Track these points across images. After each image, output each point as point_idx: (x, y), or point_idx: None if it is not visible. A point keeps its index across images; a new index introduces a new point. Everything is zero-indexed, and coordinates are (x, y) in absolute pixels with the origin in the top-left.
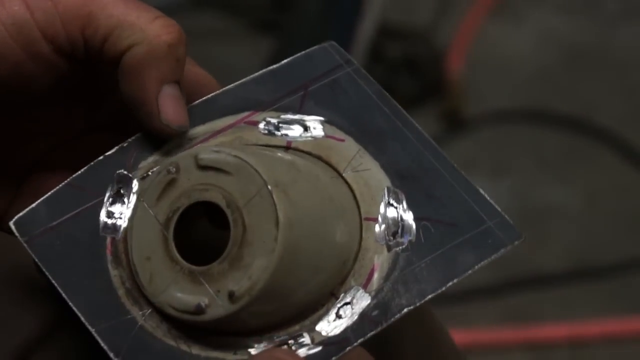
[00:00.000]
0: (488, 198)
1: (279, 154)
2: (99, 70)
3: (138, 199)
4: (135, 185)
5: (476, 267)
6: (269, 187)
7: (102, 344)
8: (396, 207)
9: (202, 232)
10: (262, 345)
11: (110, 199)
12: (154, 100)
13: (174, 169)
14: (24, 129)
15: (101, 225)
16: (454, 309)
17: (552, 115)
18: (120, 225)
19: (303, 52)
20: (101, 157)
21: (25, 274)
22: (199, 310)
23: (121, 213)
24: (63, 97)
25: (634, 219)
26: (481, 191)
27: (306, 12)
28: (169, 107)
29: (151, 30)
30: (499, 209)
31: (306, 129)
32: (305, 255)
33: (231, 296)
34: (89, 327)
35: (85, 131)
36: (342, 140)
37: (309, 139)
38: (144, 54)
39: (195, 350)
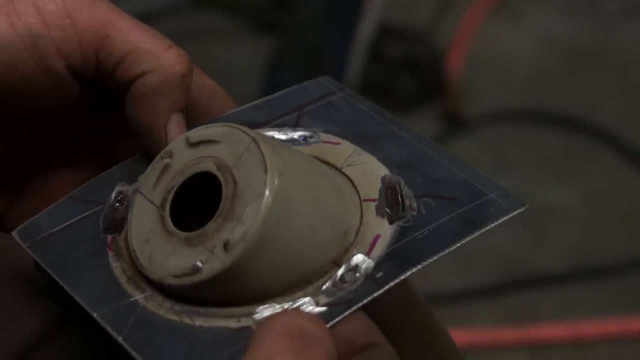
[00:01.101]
0: (488, 177)
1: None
2: (107, 90)
3: (135, 193)
4: (134, 191)
5: (479, 231)
6: (257, 141)
7: (104, 325)
8: (395, 187)
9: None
10: (265, 310)
11: (112, 206)
12: (162, 127)
13: (167, 155)
14: (27, 132)
15: (102, 227)
16: (454, 309)
17: (552, 115)
18: (121, 225)
19: (296, 85)
20: (102, 173)
21: (26, 274)
22: (196, 269)
23: (122, 217)
24: (69, 108)
25: (634, 219)
26: (481, 172)
27: (306, 12)
28: (176, 134)
29: (166, 59)
30: (501, 185)
31: (302, 137)
32: (300, 210)
33: (226, 246)
34: (90, 312)
35: (88, 132)
36: (338, 144)
37: (305, 145)
38: (158, 82)
39: (199, 322)
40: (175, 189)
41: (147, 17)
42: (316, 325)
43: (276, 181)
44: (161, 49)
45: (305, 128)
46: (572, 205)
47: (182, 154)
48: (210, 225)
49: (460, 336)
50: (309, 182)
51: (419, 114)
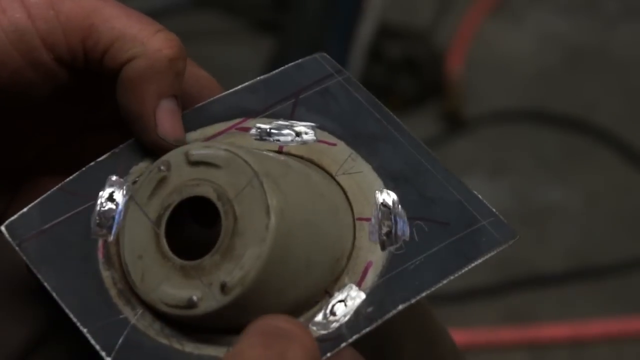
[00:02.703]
0: (481, 198)
1: (271, 153)
2: (99, 79)
3: (129, 200)
4: (126, 189)
5: (471, 265)
6: (260, 177)
7: (94, 344)
8: (389, 208)
9: (193, 234)
10: None
11: (102, 203)
12: (152, 114)
13: (165, 167)
14: (22, 130)
15: (92, 228)
16: (454, 309)
17: (552, 115)
18: (112, 228)
19: (294, 62)
20: (92, 163)
21: (20, 277)
22: (191, 304)
23: (113, 216)
24: (62, 100)
25: (634, 219)
26: (474, 192)
27: (306, 12)
28: (166, 121)
29: (152, 44)
30: (493, 209)
31: (298, 134)
32: (298, 246)
33: (223, 287)
34: (81, 328)
35: (85, 130)
36: (334, 145)
37: (301, 144)
38: (144, 68)
39: (189, 348)
40: (172, 208)
41: None
42: (292, 325)
43: (278, 225)
44: (148, 34)
45: (301, 122)
46: (571, 205)
47: (180, 169)
48: (208, 260)
49: (460, 336)
50: (309, 214)
51: (419, 114)
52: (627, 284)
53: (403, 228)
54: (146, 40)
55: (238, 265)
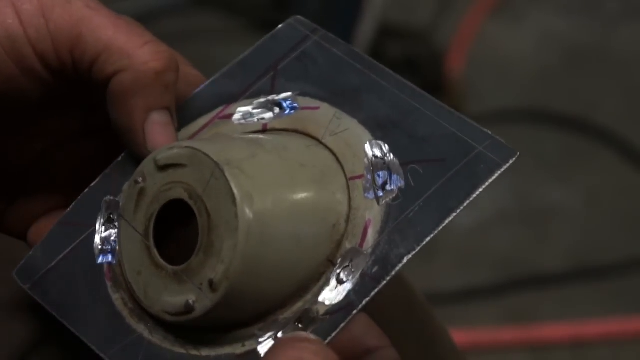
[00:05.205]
0: (475, 124)
1: (241, 135)
2: (90, 86)
3: (119, 218)
4: (119, 218)
5: (472, 196)
6: (221, 166)
7: None
8: (381, 159)
9: (182, 238)
10: (267, 333)
11: (103, 227)
12: (140, 128)
13: (141, 178)
14: (20, 132)
15: (97, 254)
16: (454, 309)
17: (552, 115)
18: (115, 250)
19: (268, 33)
20: (86, 190)
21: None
22: (189, 308)
23: (114, 238)
24: (55, 105)
25: (634, 219)
26: (466, 118)
27: (306, 12)
28: (156, 135)
29: (139, 56)
30: (489, 132)
31: (280, 108)
32: (279, 226)
33: (211, 284)
34: (102, 355)
35: (83, 132)
36: (317, 108)
37: (286, 117)
38: (130, 81)
39: (205, 351)
40: (154, 217)
41: (147, 17)
42: (321, 358)
43: (247, 212)
44: (135, 46)
45: (282, 94)
46: (572, 205)
47: (153, 177)
48: (194, 260)
49: (460, 336)
50: (284, 190)
51: None
52: (627, 284)
53: (397, 177)
54: (132, 52)
55: (219, 259)
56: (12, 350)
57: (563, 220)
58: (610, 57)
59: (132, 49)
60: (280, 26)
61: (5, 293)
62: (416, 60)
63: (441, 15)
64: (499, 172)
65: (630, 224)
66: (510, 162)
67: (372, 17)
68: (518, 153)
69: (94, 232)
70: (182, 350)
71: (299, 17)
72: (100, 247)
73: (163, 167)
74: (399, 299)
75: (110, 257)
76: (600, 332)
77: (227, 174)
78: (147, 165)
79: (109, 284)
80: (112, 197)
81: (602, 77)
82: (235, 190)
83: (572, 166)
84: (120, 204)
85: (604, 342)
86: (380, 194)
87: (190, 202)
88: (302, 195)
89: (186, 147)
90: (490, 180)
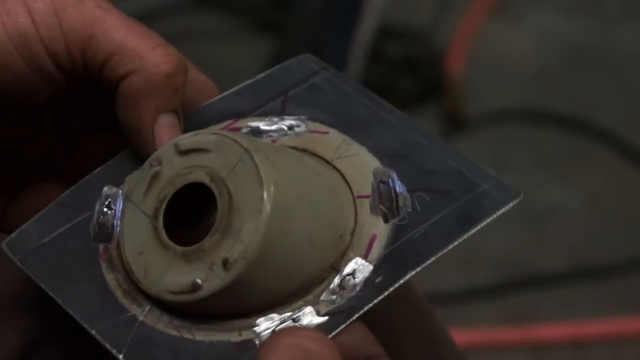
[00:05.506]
0: (481, 165)
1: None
2: (100, 86)
3: (126, 201)
4: (122, 195)
5: (477, 227)
6: (251, 152)
7: (103, 343)
8: (388, 182)
9: (194, 224)
10: (266, 322)
11: (100, 212)
12: (149, 130)
13: (157, 163)
14: (23, 132)
15: (92, 236)
16: (454, 309)
17: (552, 115)
18: (111, 234)
19: (279, 65)
20: (87, 176)
21: (15, 284)
22: (196, 286)
23: (112, 223)
24: (63, 104)
25: (634, 219)
26: (472, 161)
27: (306, 12)
28: (164, 137)
29: (150, 59)
30: (493, 173)
31: (289, 128)
32: (296, 219)
33: (225, 263)
34: (89, 330)
35: (86, 131)
36: (326, 133)
37: (293, 136)
38: (142, 83)
39: (199, 336)
40: (167, 199)
41: (147, 17)
42: (322, 345)
43: (273, 196)
44: (147, 48)
45: (291, 116)
46: (572, 205)
47: (172, 161)
48: (208, 241)
49: (460, 336)
50: (304, 188)
51: (419, 113)
52: (627, 284)
53: (404, 199)
54: (144, 55)
55: (238, 239)
56: (12, 350)
57: (563, 220)
58: (610, 57)
59: (144, 51)
60: (290, 60)
61: (7, 292)
62: (416, 60)
63: (441, 15)
64: (504, 209)
65: (630, 224)
66: (515, 201)
67: (372, 16)
68: (522, 195)
69: (91, 216)
70: (175, 333)
71: (309, 55)
72: (97, 229)
73: (185, 152)
74: (400, 299)
75: (106, 240)
76: (600, 332)
77: (256, 159)
78: (165, 150)
79: (103, 264)
80: (112, 186)
81: (602, 77)
82: (262, 173)
83: (572, 166)
84: (125, 189)
85: (604, 342)
86: (387, 213)
87: (212, 185)
88: (318, 198)
89: (213, 133)
90: (495, 215)
